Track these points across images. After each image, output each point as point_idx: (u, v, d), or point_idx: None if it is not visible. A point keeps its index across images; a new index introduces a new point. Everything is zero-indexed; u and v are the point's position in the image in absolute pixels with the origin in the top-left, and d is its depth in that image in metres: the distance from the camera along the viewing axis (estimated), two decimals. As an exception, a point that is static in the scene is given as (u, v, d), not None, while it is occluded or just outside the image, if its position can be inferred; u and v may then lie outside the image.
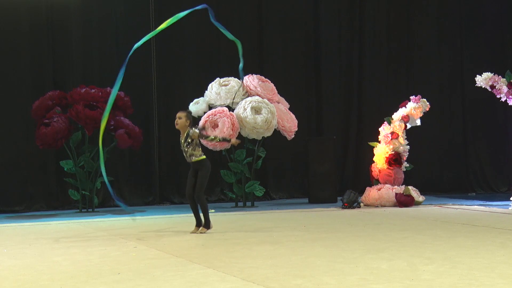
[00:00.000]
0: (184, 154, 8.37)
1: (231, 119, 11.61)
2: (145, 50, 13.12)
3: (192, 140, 8.25)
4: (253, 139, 12.03)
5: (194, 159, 8.31)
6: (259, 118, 11.70)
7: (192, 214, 8.54)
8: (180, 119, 8.28)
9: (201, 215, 8.47)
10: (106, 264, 6.33)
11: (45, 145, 11.52)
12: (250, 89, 12.11)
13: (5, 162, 12.21)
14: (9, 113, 12.25)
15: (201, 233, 8.37)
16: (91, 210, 11.89)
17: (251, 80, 12.17)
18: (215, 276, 5.57)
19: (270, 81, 12.43)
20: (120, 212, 11.67)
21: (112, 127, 11.70)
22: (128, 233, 8.69)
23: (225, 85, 12.08)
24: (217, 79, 12.20)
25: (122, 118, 11.86)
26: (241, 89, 11.78)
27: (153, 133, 13.20)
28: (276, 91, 12.45)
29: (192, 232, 8.41)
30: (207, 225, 8.43)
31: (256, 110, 11.81)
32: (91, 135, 11.64)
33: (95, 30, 12.96)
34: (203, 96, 12.19)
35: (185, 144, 8.29)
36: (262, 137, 11.99)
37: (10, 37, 12.39)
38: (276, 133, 12.17)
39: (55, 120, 11.46)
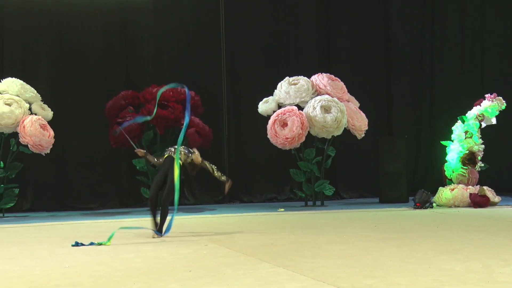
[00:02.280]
0: (170, 152, 8.52)
1: (300, 118, 11.57)
2: (215, 51, 13.25)
3: (191, 162, 8.63)
4: (323, 138, 11.96)
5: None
6: (329, 117, 11.62)
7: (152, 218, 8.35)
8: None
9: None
10: (177, 261, 6.40)
11: (118, 144, 11.74)
12: (320, 88, 12.04)
13: (80, 160, 12.52)
14: (83, 112, 12.55)
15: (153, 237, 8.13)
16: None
17: (321, 79, 12.10)
18: (285, 275, 5.56)
19: (339, 80, 12.33)
20: (191, 210, 11.80)
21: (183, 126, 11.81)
22: (198, 231, 8.77)
23: (295, 84, 12.05)
24: (287, 78, 12.18)
25: (192, 117, 11.98)
26: None
27: (223, 132, 13.28)
28: (346, 90, 12.34)
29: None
30: (161, 230, 8.20)
31: (326, 109, 11.73)
32: (162, 134, 11.82)
33: (166, 30, 13.13)
34: (272, 95, 12.19)
35: (185, 153, 8.60)
36: (332, 136, 11.90)
37: (84, 38, 12.69)
38: (346, 132, 12.06)
39: (128, 119, 11.67)
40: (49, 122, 11.27)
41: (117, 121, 11.70)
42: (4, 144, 11.15)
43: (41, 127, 10.94)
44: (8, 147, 11.17)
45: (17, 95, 11.03)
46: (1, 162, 11.10)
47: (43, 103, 11.45)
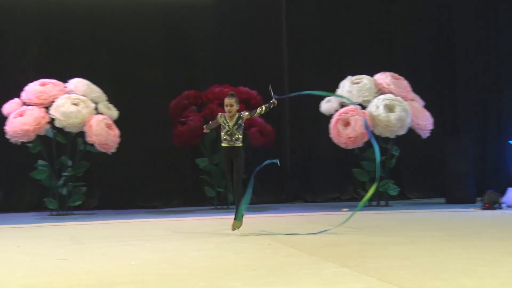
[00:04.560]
0: (228, 137, 8.15)
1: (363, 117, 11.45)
2: (276, 50, 13.24)
3: (241, 125, 8.18)
4: (386, 137, 11.80)
5: (237, 144, 8.16)
6: (393, 116, 11.46)
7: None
8: (232, 106, 8.15)
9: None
10: (241, 260, 6.40)
11: (182, 143, 11.87)
12: (383, 86, 11.89)
13: (145, 159, 12.71)
14: (147, 112, 12.72)
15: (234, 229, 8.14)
16: (225, 207, 12.12)
17: (384, 78, 11.94)
18: (349, 275, 5.49)
19: (403, 79, 12.15)
20: (254, 209, 11.81)
21: (245, 125, 11.85)
22: (261, 230, 8.76)
23: (357, 83, 11.93)
24: (349, 77, 12.07)
25: (255, 117, 11.99)
26: None
27: (285, 132, 13.26)
28: (409, 89, 12.15)
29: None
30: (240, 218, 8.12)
31: (390, 108, 11.57)
32: (225, 133, 11.88)
33: (227, 29, 13.19)
34: (334, 94, 12.10)
35: (235, 127, 8.14)
36: (396, 135, 11.73)
37: (146, 38, 12.86)
38: (410, 131, 11.87)
39: (191, 118, 11.79)
40: (115, 122, 11.48)
41: (180, 120, 11.83)
42: (71, 143, 11.40)
43: (106, 126, 11.15)
44: (76, 146, 11.42)
45: (84, 95, 11.27)
46: (69, 161, 11.36)
47: (109, 103, 11.66)
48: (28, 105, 11.09)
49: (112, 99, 11.83)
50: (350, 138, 11.51)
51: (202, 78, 12.96)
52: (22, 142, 10.99)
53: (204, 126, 8.51)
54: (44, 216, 11.31)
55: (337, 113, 11.75)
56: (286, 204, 12.88)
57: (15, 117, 10.93)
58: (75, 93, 11.25)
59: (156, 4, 12.86)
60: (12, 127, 10.89)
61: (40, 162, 11.31)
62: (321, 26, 13.37)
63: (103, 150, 11.25)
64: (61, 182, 11.33)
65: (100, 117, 11.16)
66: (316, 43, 13.41)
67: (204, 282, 5.40)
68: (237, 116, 8.17)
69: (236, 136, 8.15)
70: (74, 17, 12.60)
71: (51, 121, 11.02)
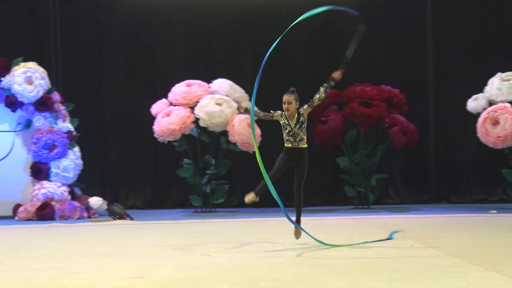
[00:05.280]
0: (291, 138, 7.35)
1: (513, 116, 10.93)
2: (421, 48, 12.91)
3: (303, 122, 7.35)
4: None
5: (302, 145, 7.36)
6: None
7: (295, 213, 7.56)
8: (290, 104, 7.37)
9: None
10: (383, 261, 6.30)
11: (322, 142, 11.86)
12: (534, 82, 11.27)
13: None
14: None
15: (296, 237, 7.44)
16: (366, 207, 11.98)
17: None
18: (497, 280, 5.25)
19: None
20: (396, 210, 11.60)
21: (387, 124, 11.67)
22: (404, 231, 8.57)
23: (507, 80, 11.39)
24: (498, 74, 11.55)
25: (397, 115, 11.78)
26: None
27: (429, 131, 12.90)
28: None
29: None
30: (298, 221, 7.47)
31: (543, 106, 10.95)
32: (366, 133, 11.74)
33: (370, 27, 13.01)
34: (482, 92, 11.61)
35: (297, 127, 7.34)
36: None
37: (287, 38, 12.88)
38: None
39: (331, 118, 11.75)
40: (256, 121, 11.64)
41: (320, 119, 11.82)
42: (215, 142, 11.70)
43: (248, 126, 11.34)
44: (219, 145, 11.71)
45: (227, 95, 11.52)
46: (213, 160, 11.67)
47: (250, 102, 11.84)
48: (175, 105, 11.50)
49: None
50: (499, 137, 11.03)
51: (343, 77, 12.82)
52: (169, 141, 11.41)
53: (256, 109, 7.75)
54: (188, 213, 11.68)
55: (485, 112, 11.28)
56: (429, 205, 12.52)
57: (162, 117, 11.37)
58: (218, 93, 11.53)
59: (300, 5, 12.93)
60: (160, 127, 11.34)
61: (185, 160, 11.71)
62: (467, 22, 12.87)
63: (245, 149, 11.45)
64: (205, 180, 11.66)
65: (242, 116, 11.37)
66: (463, 39, 12.92)
67: (345, 281, 5.35)
68: (296, 114, 7.37)
69: (300, 136, 7.37)
70: (217, 20, 12.91)
71: (196, 120, 11.36)
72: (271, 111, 7.63)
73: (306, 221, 10.21)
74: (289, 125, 7.37)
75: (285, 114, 7.39)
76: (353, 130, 11.85)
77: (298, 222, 7.47)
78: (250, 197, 7.40)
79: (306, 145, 7.42)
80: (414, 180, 12.92)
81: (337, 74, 7.74)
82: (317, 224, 9.77)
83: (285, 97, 7.42)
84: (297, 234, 7.47)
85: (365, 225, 9.47)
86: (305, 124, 7.38)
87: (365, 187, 11.96)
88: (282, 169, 7.53)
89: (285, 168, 7.53)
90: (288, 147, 7.43)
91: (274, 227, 9.53)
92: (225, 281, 5.48)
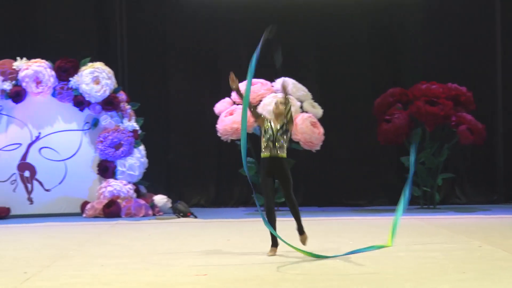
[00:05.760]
0: (271, 144, 6.76)
1: None
2: (488, 48, 12.65)
3: (287, 130, 6.80)
4: None
5: (281, 153, 6.74)
6: None
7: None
8: (282, 105, 6.88)
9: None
10: (449, 262, 6.18)
11: (386, 141, 11.72)
12: None
13: (348, 157, 12.73)
14: (351, 110, 12.73)
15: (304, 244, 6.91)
16: (432, 206, 11.79)
17: None
18: None
19: None
20: (463, 210, 11.37)
21: (454, 123, 11.46)
22: (471, 231, 8.39)
23: None
24: None
25: (464, 114, 11.55)
26: None
27: (497, 129, 12.61)
28: None
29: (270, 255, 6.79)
30: (302, 231, 6.94)
31: None
32: (431, 131, 11.55)
33: (436, 26, 12.84)
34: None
35: (279, 132, 6.76)
36: None
37: (350, 37, 12.86)
38: None
39: (396, 116, 11.60)
40: (319, 120, 11.60)
41: (385, 118, 11.69)
42: (277, 141, 11.70)
43: (311, 124, 11.30)
44: (282, 144, 11.70)
45: (290, 94, 11.50)
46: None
47: (314, 101, 11.81)
48: (238, 104, 11.55)
49: (316, 98, 11.97)
50: None
51: (408, 75, 12.71)
52: (232, 140, 11.47)
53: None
54: (251, 212, 11.73)
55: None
56: (497, 205, 12.23)
57: (225, 116, 11.44)
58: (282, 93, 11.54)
59: (365, 4, 12.83)
60: (223, 126, 11.41)
61: (249, 159, 11.75)
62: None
63: (307, 148, 11.42)
64: (268, 179, 11.67)
65: (305, 115, 11.34)
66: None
67: (410, 282, 5.28)
68: (283, 120, 6.81)
69: (281, 143, 6.76)
70: (281, 18, 12.92)
71: (259, 119, 11.39)
72: (260, 113, 7.19)
73: (370, 220, 10.13)
74: (271, 128, 6.80)
75: (269, 119, 6.91)
76: (418, 129, 11.68)
77: (301, 229, 7.00)
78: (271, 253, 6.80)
79: (285, 155, 6.80)
80: (481, 180, 12.65)
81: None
82: (381, 223, 9.66)
83: (279, 99, 7.03)
84: (304, 241, 7.00)
85: (431, 225, 9.31)
86: (289, 135, 6.85)
87: (431, 186, 11.77)
88: (272, 195, 6.91)
89: (273, 189, 6.88)
90: (265, 158, 6.81)
91: (338, 226, 9.50)
92: (288, 280, 5.48)
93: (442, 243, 7.45)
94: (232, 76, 7.06)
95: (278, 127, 6.79)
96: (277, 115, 6.87)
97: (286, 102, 6.85)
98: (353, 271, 5.85)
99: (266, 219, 6.65)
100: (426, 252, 6.82)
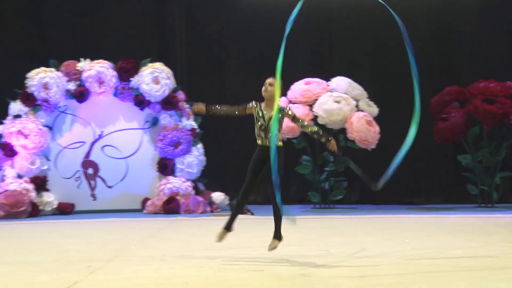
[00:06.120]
0: (262, 134, 6.37)
1: None
2: None
3: (280, 121, 6.30)
4: None
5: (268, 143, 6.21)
6: None
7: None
8: (271, 86, 6.41)
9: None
10: (508, 261, 6.18)
11: (443, 139, 11.66)
12: None
13: (405, 155, 12.65)
14: (407, 109, 12.59)
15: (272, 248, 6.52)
16: (490, 205, 11.68)
17: None
18: None
19: None
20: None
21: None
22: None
23: None
24: None
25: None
26: None
27: None
28: None
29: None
30: (279, 236, 6.52)
31: None
32: (489, 130, 11.44)
33: (495, 23, 12.69)
34: None
35: (271, 122, 6.22)
36: None
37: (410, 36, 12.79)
38: None
39: (452, 115, 11.53)
40: (375, 118, 11.63)
41: (441, 117, 11.63)
42: (333, 139, 11.75)
43: (367, 123, 11.34)
44: (337, 142, 11.77)
45: (345, 93, 11.57)
46: (331, 157, 11.76)
47: (369, 100, 11.85)
48: (294, 103, 11.68)
49: (372, 97, 11.99)
50: None
51: (466, 73, 12.60)
52: (288, 138, 11.59)
53: (201, 105, 6.60)
54: (307, 209, 11.83)
55: None
56: None
57: (281, 115, 11.57)
58: (337, 91, 11.60)
59: (421, 3, 12.79)
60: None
61: (304, 157, 11.85)
62: None
63: (363, 146, 11.47)
64: (323, 176, 11.76)
65: (360, 114, 11.39)
66: None
67: (467, 281, 5.30)
68: (278, 109, 6.18)
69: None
70: (337, 18, 12.99)
71: (315, 118, 11.48)
72: (244, 104, 6.57)
73: (425, 218, 10.12)
74: (263, 117, 6.35)
75: (259, 105, 6.45)
76: (476, 128, 11.58)
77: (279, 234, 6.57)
78: (219, 234, 6.59)
79: (281, 144, 6.36)
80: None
81: (332, 144, 6.63)
82: (436, 222, 9.67)
83: (269, 80, 6.52)
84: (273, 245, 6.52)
85: (488, 224, 9.26)
86: (281, 124, 6.35)
87: (489, 185, 11.66)
88: (253, 180, 6.48)
89: (257, 176, 6.45)
90: (259, 145, 6.44)
91: (393, 224, 9.53)
92: (344, 276, 5.56)
93: (500, 242, 7.42)
94: (195, 108, 6.64)
95: (270, 116, 6.27)
96: (268, 99, 6.39)
97: (274, 83, 6.33)
98: (411, 269, 5.89)
99: (238, 199, 6.47)
100: (483, 251, 6.82)
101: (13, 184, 11.05)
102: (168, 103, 11.58)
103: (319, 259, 6.45)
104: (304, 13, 12.73)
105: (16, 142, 11.16)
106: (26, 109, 11.31)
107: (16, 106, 11.37)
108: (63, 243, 7.89)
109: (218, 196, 11.64)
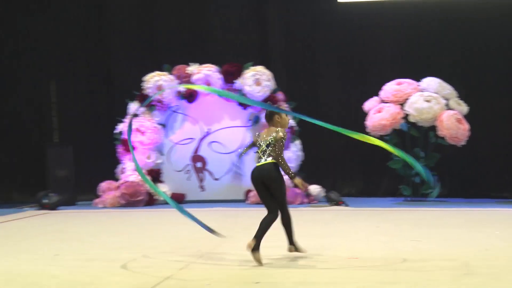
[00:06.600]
0: (259, 156, 6.53)
1: None
2: None
3: (271, 143, 6.46)
4: None
5: (269, 159, 6.43)
6: None
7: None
8: (280, 118, 6.64)
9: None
10: None
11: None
12: None
13: (494, 152, 12.90)
14: (496, 107, 12.90)
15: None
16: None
17: None
18: None
19: None
20: None
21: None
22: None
23: None
24: None
25: None
26: None
27: None
28: None
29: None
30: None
31: None
32: None
33: None
34: None
35: (269, 148, 6.46)
36: None
37: (493, 37, 13.06)
38: None
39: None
40: (465, 116, 12.00)
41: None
42: (423, 136, 12.27)
43: (457, 121, 11.75)
44: (428, 139, 12.25)
45: (436, 93, 12.00)
46: (422, 152, 12.21)
47: (459, 99, 12.19)
48: (386, 102, 12.24)
49: (462, 96, 12.29)
50: None
51: None
52: (380, 135, 12.13)
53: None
54: (399, 202, 12.21)
55: None
56: None
57: (374, 113, 12.19)
58: (427, 91, 12.02)
59: (505, 6, 12.97)
60: (372, 122, 12.14)
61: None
62: None
63: (453, 143, 11.83)
64: (414, 171, 12.22)
65: (450, 112, 11.76)
66: None
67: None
68: (272, 133, 6.51)
69: (268, 153, 6.44)
70: (425, 18, 13.33)
71: (405, 116, 11.95)
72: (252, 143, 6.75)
73: None
74: (261, 143, 6.55)
75: (259, 134, 6.62)
76: None
77: (291, 241, 6.67)
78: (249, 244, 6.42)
79: (274, 161, 6.41)
80: None
81: (297, 181, 6.58)
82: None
83: (284, 116, 6.72)
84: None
85: None
86: (279, 145, 6.43)
87: None
88: (266, 196, 6.53)
89: (267, 197, 6.53)
90: (255, 167, 6.55)
91: (483, 217, 9.68)
92: (438, 266, 5.90)
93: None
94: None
95: (268, 141, 6.46)
96: (271, 128, 6.60)
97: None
98: (503, 260, 6.14)
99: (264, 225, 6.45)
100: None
101: (132, 176, 12.21)
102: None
103: (411, 249, 6.78)
104: (393, 17, 13.22)
105: (134, 139, 12.25)
106: (143, 109, 12.45)
107: (134, 106, 12.51)
108: (176, 229, 8.62)
109: (314, 189, 12.31)
